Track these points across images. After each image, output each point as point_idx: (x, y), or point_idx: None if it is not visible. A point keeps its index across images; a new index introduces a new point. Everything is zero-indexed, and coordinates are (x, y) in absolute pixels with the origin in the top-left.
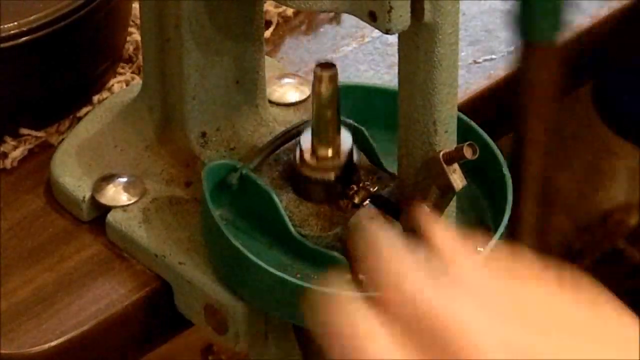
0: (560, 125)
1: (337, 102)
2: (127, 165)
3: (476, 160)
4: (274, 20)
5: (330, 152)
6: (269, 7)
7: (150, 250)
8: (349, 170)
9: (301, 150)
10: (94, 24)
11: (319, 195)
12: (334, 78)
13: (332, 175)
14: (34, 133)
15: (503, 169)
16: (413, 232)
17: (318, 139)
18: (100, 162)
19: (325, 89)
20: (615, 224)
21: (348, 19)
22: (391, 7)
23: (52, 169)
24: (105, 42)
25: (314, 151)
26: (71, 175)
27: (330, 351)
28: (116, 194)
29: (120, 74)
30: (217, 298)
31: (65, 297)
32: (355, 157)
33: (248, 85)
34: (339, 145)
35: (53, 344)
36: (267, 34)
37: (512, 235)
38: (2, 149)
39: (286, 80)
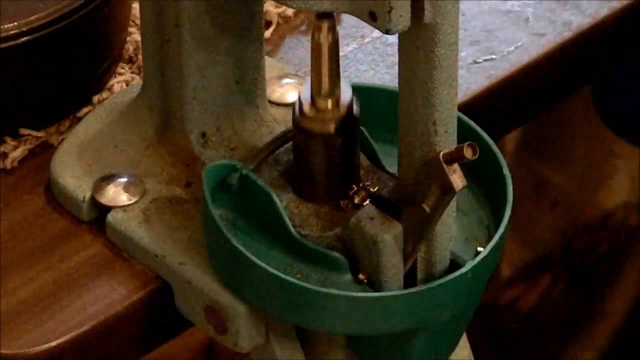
0: (560, 125)
1: (337, 53)
2: (127, 165)
3: (476, 160)
4: (274, 20)
5: (329, 104)
6: (269, 7)
7: (150, 251)
8: (349, 122)
9: (300, 103)
10: (94, 24)
11: (321, 156)
12: (332, 28)
13: (331, 127)
14: (34, 133)
15: (503, 169)
16: (412, 232)
17: (317, 91)
18: (100, 162)
19: (324, 39)
20: (615, 224)
21: (348, 19)
22: (391, 7)
23: (52, 169)
24: (105, 42)
25: (313, 103)
26: (71, 175)
27: None
28: (116, 194)
29: (120, 74)
30: (217, 298)
31: (65, 297)
32: (354, 109)
33: (248, 85)
34: (338, 98)
35: (53, 344)
36: (267, 34)
37: None
38: (2, 149)
39: (286, 80)
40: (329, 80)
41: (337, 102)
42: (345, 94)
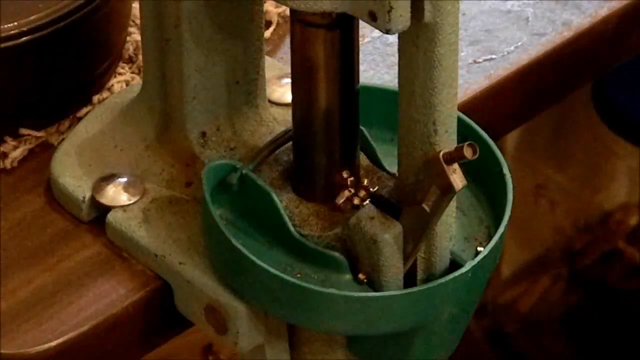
0: (560, 125)
1: None
2: (127, 165)
3: (476, 160)
4: (274, 20)
5: None
6: (269, 7)
7: (150, 250)
8: (349, 15)
9: None
10: (94, 24)
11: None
12: None
13: (332, 17)
14: (34, 133)
15: (503, 169)
16: (412, 232)
17: None
18: (100, 162)
19: None
20: (615, 224)
21: None
22: (391, 7)
23: (52, 169)
24: (105, 42)
25: None
26: (71, 175)
27: None
28: (116, 194)
29: (120, 74)
30: (217, 298)
31: (65, 297)
32: None
33: (248, 85)
34: None
35: (53, 344)
36: (267, 34)
37: None
38: (2, 149)
39: (286, 80)
40: None
41: None
42: None
